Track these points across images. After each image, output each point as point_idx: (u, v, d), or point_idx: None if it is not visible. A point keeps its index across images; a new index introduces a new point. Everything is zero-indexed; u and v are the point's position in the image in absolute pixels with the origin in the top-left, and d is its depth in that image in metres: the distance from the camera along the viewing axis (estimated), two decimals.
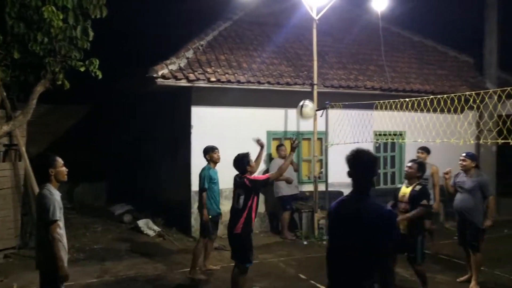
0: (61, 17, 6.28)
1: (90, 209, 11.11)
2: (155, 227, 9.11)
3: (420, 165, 5.63)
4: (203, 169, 6.74)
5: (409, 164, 5.66)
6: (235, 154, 8.86)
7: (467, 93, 6.83)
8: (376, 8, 9.27)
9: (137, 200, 11.08)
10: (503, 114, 6.43)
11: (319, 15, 8.69)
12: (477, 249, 5.97)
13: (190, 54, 8.73)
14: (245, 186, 5.35)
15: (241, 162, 5.52)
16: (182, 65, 8.37)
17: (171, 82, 7.96)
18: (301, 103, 8.55)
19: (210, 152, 6.78)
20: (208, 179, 6.63)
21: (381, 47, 10.44)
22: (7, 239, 7.26)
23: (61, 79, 6.84)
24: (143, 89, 9.32)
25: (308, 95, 8.89)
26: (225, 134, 8.98)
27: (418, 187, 5.56)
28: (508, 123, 5.85)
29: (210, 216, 6.60)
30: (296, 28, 10.71)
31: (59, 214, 3.92)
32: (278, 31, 10.70)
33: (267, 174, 5.57)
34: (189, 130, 8.80)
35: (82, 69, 6.76)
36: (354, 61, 10.38)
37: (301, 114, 8.56)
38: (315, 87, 8.67)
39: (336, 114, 8.84)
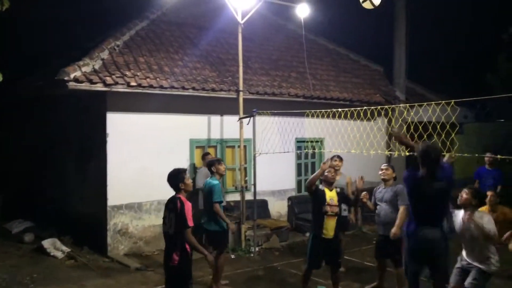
0: None
1: None
2: (64, 248, 8.11)
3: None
4: (213, 183, 6.30)
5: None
6: (156, 164, 8.36)
7: (395, 106, 6.96)
8: (299, 15, 9.23)
9: (39, 215, 9.86)
10: (409, 121, 6.77)
11: (245, 19, 8.41)
12: (400, 263, 5.75)
13: (105, 55, 7.92)
14: (176, 208, 4.55)
15: (174, 178, 4.74)
16: (96, 67, 7.54)
17: (85, 86, 7.11)
18: None
19: (216, 164, 6.41)
20: (220, 192, 6.26)
21: (299, 54, 10.52)
22: None
23: None
24: (53, 93, 8.27)
25: (233, 102, 8.57)
26: (145, 142, 8.34)
27: (339, 190, 5.84)
28: (412, 128, 6.06)
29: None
30: (218, 31, 10.36)
31: None
32: (199, 33, 10.25)
33: (190, 223, 4.51)
34: (104, 139, 7.98)
35: None
36: (276, 68, 10.30)
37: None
38: (241, 93, 8.38)
39: (261, 121, 8.64)
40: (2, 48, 6.35)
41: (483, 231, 4.75)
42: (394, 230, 5.80)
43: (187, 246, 4.53)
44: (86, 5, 11.77)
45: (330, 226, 5.63)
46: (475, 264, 4.89)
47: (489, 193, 6.20)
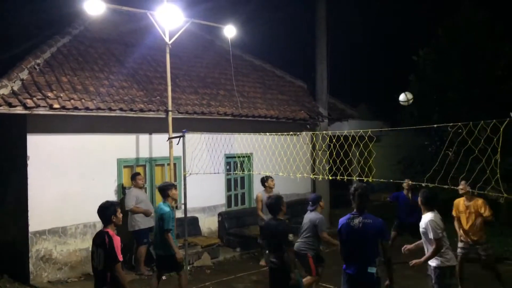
0: None
1: None
2: None
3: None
4: (165, 209, 6.28)
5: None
6: (82, 186, 8.13)
7: (311, 132, 7.40)
8: (226, 35, 9.44)
9: None
10: (330, 133, 7.34)
11: (172, 40, 8.45)
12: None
13: (24, 75, 7.58)
14: (104, 243, 4.43)
15: (105, 211, 4.59)
16: (15, 88, 7.21)
17: (3, 109, 6.77)
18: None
19: (172, 189, 6.44)
20: (172, 219, 6.27)
21: (227, 71, 10.72)
22: None
23: None
24: None
25: (162, 121, 8.57)
26: (69, 163, 8.09)
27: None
28: (334, 139, 6.56)
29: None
30: (145, 48, 10.28)
31: None
32: (125, 50, 10.10)
33: (120, 258, 4.43)
34: (24, 161, 7.63)
35: None
36: (205, 85, 10.42)
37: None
38: (170, 113, 8.40)
39: (190, 139, 8.69)
40: None
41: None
42: None
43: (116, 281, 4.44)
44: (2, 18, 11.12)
45: None
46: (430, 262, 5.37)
47: (462, 183, 6.48)
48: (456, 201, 6.93)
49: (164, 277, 7.59)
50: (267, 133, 7.96)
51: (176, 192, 6.67)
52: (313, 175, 7.54)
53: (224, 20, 9.82)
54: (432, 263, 5.38)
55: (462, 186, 6.58)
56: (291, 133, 8.13)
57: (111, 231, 4.55)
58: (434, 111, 11.65)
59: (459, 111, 10.90)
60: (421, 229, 5.42)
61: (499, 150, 4.39)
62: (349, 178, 5.87)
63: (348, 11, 15.36)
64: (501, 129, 4.30)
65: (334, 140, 6.65)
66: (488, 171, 4.33)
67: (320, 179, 6.86)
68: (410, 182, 8.60)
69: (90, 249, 8.15)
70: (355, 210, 4.81)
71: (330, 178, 6.01)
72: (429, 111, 11.77)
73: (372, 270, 4.64)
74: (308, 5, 12.86)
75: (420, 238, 5.53)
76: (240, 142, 9.82)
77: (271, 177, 8.57)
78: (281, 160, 8.49)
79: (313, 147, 11.36)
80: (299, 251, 6.31)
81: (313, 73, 12.64)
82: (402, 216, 8.72)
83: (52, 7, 10.84)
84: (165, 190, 6.53)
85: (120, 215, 4.66)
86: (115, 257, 4.40)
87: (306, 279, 6.28)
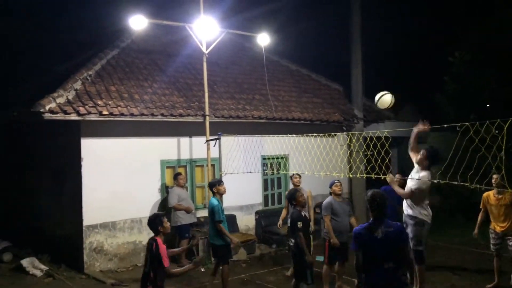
0: None
1: None
2: (42, 266, 8.59)
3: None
4: (214, 203, 6.96)
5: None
6: (129, 185, 8.94)
7: (345, 133, 7.72)
8: (260, 43, 10.00)
9: (16, 235, 10.26)
10: (362, 133, 7.62)
11: (209, 50, 9.13)
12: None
13: (78, 85, 8.51)
14: (151, 249, 4.84)
15: (153, 223, 4.99)
16: (70, 97, 8.13)
17: (60, 116, 7.69)
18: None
19: (217, 185, 7.06)
20: (222, 211, 6.92)
21: (263, 76, 11.25)
22: None
23: None
24: (26, 122, 8.78)
25: (201, 125, 9.24)
26: (118, 164, 8.91)
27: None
28: (368, 140, 6.83)
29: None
30: (185, 57, 11.03)
31: None
32: (167, 60, 10.90)
33: (167, 264, 4.79)
34: (79, 163, 8.54)
35: None
36: (241, 91, 11.03)
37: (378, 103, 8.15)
38: (207, 118, 9.07)
39: (228, 141, 9.31)
40: None
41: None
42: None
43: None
44: (58, 32, 12.30)
45: None
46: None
47: (495, 176, 6.82)
48: (485, 194, 7.25)
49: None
50: (299, 135, 8.41)
51: (221, 187, 7.21)
52: (349, 174, 7.80)
53: (261, 27, 10.42)
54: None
55: (494, 179, 6.87)
56: (327, 134, 8.39)
57: (159, 239, 4.91)
58: (471, 111, 11.62)
59: (495, 111, 10.86)
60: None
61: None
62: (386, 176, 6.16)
63: (382, 14, 15.51)
64: (505, 128, 4.58)
65: (367, 140, 6.90)
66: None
67: (358, 176, 7.22)
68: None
69: (137, 242, 9.01)
70: (373, 219, 4.48)
71: (365, 176, 6.49)
72: (465, 111, 11.76)
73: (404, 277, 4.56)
74: (342, 9, 13.18)
75: None
76: (275, 144, 10.30)
77: (295, 175, 8.89)
78: (317, 160, 8.83)
79: (349, 148, 11.66)
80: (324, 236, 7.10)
81: (348, 76, 12.94)
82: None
83: (103, 23, 11.87)
84: (211, 186, 7.24)
85: (166, 224, 5.01)
86: (160, 262, 4.76)
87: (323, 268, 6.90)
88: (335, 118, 11.65)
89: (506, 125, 4.59)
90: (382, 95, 7.68)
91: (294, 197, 6.43)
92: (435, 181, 5.57)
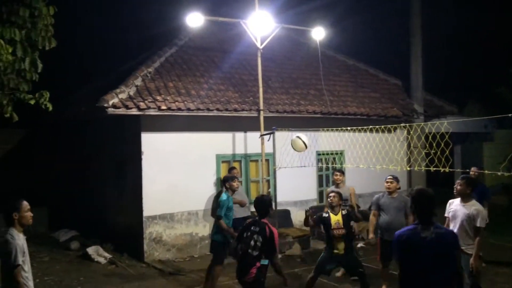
0: (10, 50, 6.25)
1: (32, 236, 10.68)
2: (106, 254, 9.06)
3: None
4: (223, 198, 6.97)
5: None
6: (186, 178, 9.21)
7: (402, 125, 7.51)
8: (315, 37, 9.92)
9: (82, 225, 10.90)
10: (427, 131, 7.30)
11: (263, 45, 9.18)
12: None
13: (138, 82, 8.88)
14: (264, 233, 4.91)
15: (264, 204, 5.14)
16: (131, 93, 8.50)
17: (121, 111, 8.07)
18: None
19: (230, 181, 7.10)
20: (226, 208, 6.89)
21: (318, 71, 11.15)
22: None
23: (9, 112, 6.76)
24: (92, 117, 9.30)
25: (255, 120, 9.33)
26: (175, 158, 9.20)
27: (345, 212, 6.27)
28: (431, 138, 6.53)
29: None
30: (240, 54, 11.18)
31: (21, 258, 4.01)
32: (223, 57, 11.11)
33: (277, 251, 5.04)
34: (139, 156, 8.91)
35: (32, 102, 6.73)
36: (296, 86, 11.01)
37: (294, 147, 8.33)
38: (261, 112, 9.14)
39: (282, 136, 9.31)
40: (49, 78, 7.34)
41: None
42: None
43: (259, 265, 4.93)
44: (121, 32, 12.91)
45: (340, 246, 6.15)
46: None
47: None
48: None
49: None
50: (355, 128, 8.25)
51: (234, 183, 7.14)
52: (406, 167, 7.56)
53: (316, 21, 10.34)
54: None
55: None
56: (383, 126, 8.15)
57: (269, 223, 5.00)
58: None
59: None
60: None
61: None
62: (451, 170, 5.90)
63: (443, 5, 14.84)
64: None
65: (429, 138, 6.65)
66: None
67: (416, 168, 7.01)
68: (476, 170, 8.10)
69: (193, 234, 9.21)
70: (419, 220, 3.85)
71: (425, 169, 6.26)
72: None
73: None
74: (402, 1, 12.78)
75: None
76: (331, 140, 10.18)
77: (336, 172, 8.66)
78: (374, 155, 8.64)
79: (408, 144, 11.27)
80: None
81: (407, 70, 12.53)
82: None
83: (162, 22, 12.31)
84: (224, 181, 7.24)
85: (272, 210, 5.17)
86: (274, 248, 4.91)
87: None
88: (393, 112, 11.32)
89: None
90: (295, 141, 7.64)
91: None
92: (499, 173, 5.26)
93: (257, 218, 5.15)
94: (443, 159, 5.93)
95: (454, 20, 15.50)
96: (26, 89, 6.84)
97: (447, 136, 5.88)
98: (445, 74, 13.81)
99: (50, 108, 6.86)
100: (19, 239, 4.04)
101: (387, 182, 6.85)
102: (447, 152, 5.99)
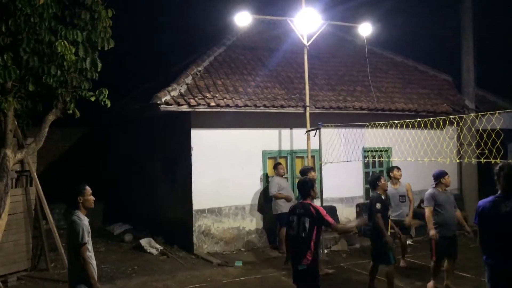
0: (73, 51, 6.73)
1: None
2: (158, 246, 9.45)
3: None
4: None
5: None
6: (233, 173, 9.45)
7: (450, 116, 7.38)
8: (361, 33, 9.90)
9: (134, 219, 11.41)
10: (480, 128, 7.12)
11: (310, 42, 9.28)
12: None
13: (189, 80, 9.22)
14: (310, 213, 4.99)
15: (305, 186, 5.23)
16: (182, 91, 8.85)
17: (173, 108, 8.43)
18: None
19: (310, 171, 7.69)
20: None
21: (365, 68, 11.09)
22: (20, 262, 7.55)
23: (72, 109, 7.26)
24: (146, 114, 9.75)
25: (301, 116, 9.43)
26: (223, 154, 9.46)
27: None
28: (485, 136, 6.38)
29: None
30: (286, 52, 11.32)
31: (87, 238, 4.37)
32: (269, 55, 11.29)
33: (332, 220, 5.03)
34: (189, 151, 9.24)
35: (93, 99, 7.20)
36: (342, 83, 11.02)
37: None
38: (307, 109, 9.23)
39: (328, 133, 9.36)
40: (107, 77, 7.81)
41: None
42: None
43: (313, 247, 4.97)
44: (173, 37, 13.41)
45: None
46: None
47: None
48: None
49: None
50: (403, 121, 8.17)
51: (314, 174, 7.49)
52: (456, 159, 7.41)
53: (364, 17, 10.29)
54: None
55: None
56: (431, 119, 8.03)
57: (312, 203, 5.11)
58: None
59: None
60: None
61: None
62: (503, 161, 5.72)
63: None
64: None
65: (480, 133, 6.50)
66: None
67: (466, 161, 6.93)
68: None
69: (240, 228, 9.44)
70: (499, 192, 4.23)
71: (474, 160, 6.21)
72: None
73: None
74: None
75: None
76: (378, 136, 10.10)
77: (396, 167, 8.62)
78: (424, 152, 8.48)
79: (458, 137, 10.98)
80: None
81: (459, 66, 12.18)
82: None
83: (210, 22, 12.68)
84: (304, 172, 7.51)
85: (316, 190, 5.23)
86: (328, 222, 4.98)
87: None
88: (443, 109, 11.07)
89: None
90: None
91: (375, 182, 6.58)
92: None
93: (301, 200, 5.27)
94: (494, 151, 5.78)
95: (508, 13, 14.89)
96: (87, 87, 7.34)
97: (498, 127, 5.72)
98: (499, 68, 13.30)
99: (109, 105, 7.31)
100: (85, 220, 4.40)
101: (449, 177, 6.88)
102: (498, 142, 5.83)
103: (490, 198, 4.29)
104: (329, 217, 5.02)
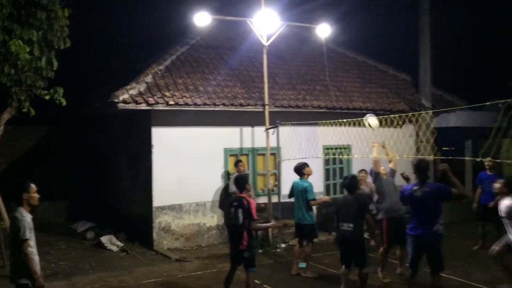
0: (27, 50, 6.77)
1: (52, 227, 11.33)
2: (118, 243, 9.54)
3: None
4: (305, 184, 7.66)
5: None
6: (194, 171, 9.61)
7: (410, 113, 7.70)
8: (320, 34, 10.18)
9: (98, 217, 11.43)
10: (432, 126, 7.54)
11: (269, 42, 9.50)
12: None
13: (149, 79, 9.32)
14: (243, 205, 5.79)
15: (241, 181, 6.05)
16: (141, 89, 8.95)
17: (131, 106, 8.52)
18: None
19: (305, 167, 7.80)
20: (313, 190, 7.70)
21: (326, 68, 11.37)
22: None
23: (27, 107, 7.31)
24: (105, 112, 9.80)
25: (262, 115, 9.65)
26: (184, 152, 9.59)
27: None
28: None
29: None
30: (249, 51, 11.50)
31: (29, 234, 4.48)
32: (232, 54, 11.46)
33: (254, 217, 5.85)
34: (150, 149, 9.35)
35: (47, 98, 7.25)
36: (303, 82, 11.28)
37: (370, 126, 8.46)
38: (266, 107, 9.46)
39: (287, 131, 9.61)
40: (64, 76, 7.86)
41: None
42: None
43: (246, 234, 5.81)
44: (135, 34, 13.42)
45: None
46: None
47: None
48: None
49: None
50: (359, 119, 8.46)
51: (310, 169, 7.81)
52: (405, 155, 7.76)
53: (325, 18, 10.56)
54: None
55: None
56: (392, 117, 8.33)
57: (246, 196, 5.92)
58: None
59: None
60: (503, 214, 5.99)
61: None
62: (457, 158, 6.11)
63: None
64: None
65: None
66: None
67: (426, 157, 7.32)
68: (492, 160, 8.09)
69: (201, 224, 9.58)
70: (418, 181, 5.64)
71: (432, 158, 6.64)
72: None
73: (437, 228, 5.52)
74: None
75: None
76: (337, 134, 10.38)
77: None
78: (382, 151, 8.75)
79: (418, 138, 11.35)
80: None
81: (416, 66, 12.59)
82: (487, 198, 8.56)
83: (176, 21, 12.74)
84: (300, 169, 7.77)
85: (250, 186, 6.22)
86: (252, 216, 5.78)
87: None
88: (399, 107, 11.46)
89: None
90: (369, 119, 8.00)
91: (356, 185, 6.55)
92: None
93: (237, 195, 5.96)
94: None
95: (466, 12, 15.39)
96: (43, 86, 7.38)
97: (432, 125, 6.08)
98: (457, 68, 13.82)
99: (64, 103, 7.39)
100: (27, 217, 4.51)
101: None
102: (432, 138, 6.24)
103: (411, 185, 5.77)
104: (254, 214, 5.77)
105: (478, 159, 6.14)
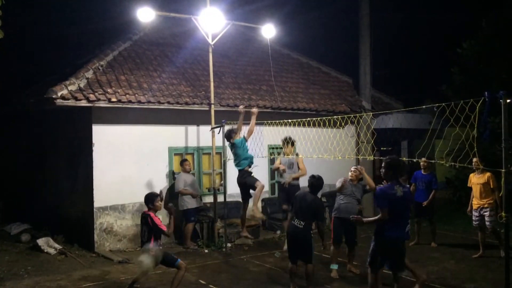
0: None
1: None
2: (56, 245, 9.11)
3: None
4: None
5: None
6: (138, 170, 9.38)
7: (352, 115, 7.95)
8: (264, 35, 10.30)
9: (34, 218, 10.87)
10: (372, 127, 7.88)
11: (215, 41, 9.47)
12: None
13: (90, 74, 8.98)
14: (147, 223, 6.11)
15: (149, 199, 6.27)
16: (82, 85, 8.61)
17: (71, 102, 8.17)
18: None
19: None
20: None
21: (272, 68, 11.53)
22: None
23: None
24: (44, 108, 9.32)
25: (207, 113, 9.60)
26: (127, 150, 9.35)
27: None
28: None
29: None
30: (195, 49, 11.41)
31: None
32: (177, 52, 11.31)
33: (163, 228, 6.15)
34: (90, 147, 9.01)
35: None
36: (249, 82, 11.35)
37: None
38: (212, 106, 9.42)
39: None
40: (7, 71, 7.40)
41: None
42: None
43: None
44: (75, 28, 12.89)
45: None
46: None
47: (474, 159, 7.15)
48: (471, 175, 8.38)
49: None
50: (303, 119, 8.65)
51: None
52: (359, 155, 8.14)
53: (270, 18, 10.67)
54: None
55: (475, 161, 7.41)
56: (333, 118, 8.58)
57: (152, 213, 6.15)
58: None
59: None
60: None
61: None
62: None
63: (391, 4, 15.56)
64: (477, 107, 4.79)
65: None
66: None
67: (368, 158, 7.66)
68: (426, 160, 8.56)
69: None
70: (394, 181, 5.35)
71: (373, 158, 6.90)
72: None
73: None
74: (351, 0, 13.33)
75: None
76: (282, 134, 10.52)
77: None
78: (325, 151, 9.03)
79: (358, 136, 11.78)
80: None
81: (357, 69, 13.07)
82: (421, 196, 9.11)
83: (118, 15, 12.38)
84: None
85: (158, 203, 6.22)
86: (160, 230, 6.09)
87: None
88: (341, 108, 11.84)
89: (478, 105, 4.82)
90: None
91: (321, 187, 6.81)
92: (444, 163, 5.82)
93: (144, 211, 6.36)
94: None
95: (403, 17, 16.20)
96: None
97: (372, 126, 6.35)
98: (393, 71, 14.49)
99: None
100: None
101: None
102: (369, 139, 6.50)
103: (389, 185, 5.37)
104: (162, 226, 6.12)
105: (414, 160, 6.51)
